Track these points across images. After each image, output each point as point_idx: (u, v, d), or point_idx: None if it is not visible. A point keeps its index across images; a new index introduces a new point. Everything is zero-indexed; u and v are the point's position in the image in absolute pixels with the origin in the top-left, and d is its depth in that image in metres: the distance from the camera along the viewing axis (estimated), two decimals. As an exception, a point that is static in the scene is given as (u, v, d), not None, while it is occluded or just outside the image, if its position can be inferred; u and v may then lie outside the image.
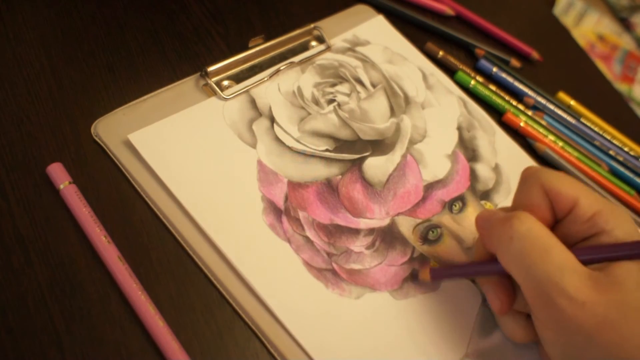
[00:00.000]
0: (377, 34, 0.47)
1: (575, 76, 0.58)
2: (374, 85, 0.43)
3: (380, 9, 0.51)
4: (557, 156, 0.47)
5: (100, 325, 0.29)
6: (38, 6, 0.40)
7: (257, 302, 0.31)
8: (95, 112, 0.36)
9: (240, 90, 0.39)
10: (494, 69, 0.51)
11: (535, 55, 0.55)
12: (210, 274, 0.32)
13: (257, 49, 0.42)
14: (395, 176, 0.39)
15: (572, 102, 0.53)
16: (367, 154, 0.39)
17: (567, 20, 0.71)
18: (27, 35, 0.38)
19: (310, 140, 0.38)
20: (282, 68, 0.41)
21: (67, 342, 0.28)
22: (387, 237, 0.36)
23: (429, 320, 0.34)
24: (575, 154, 0.48)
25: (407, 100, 0.44)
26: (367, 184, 0.38)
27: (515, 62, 0.54)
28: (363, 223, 0.36)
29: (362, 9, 0.50)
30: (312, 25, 0.45)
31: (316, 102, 0.41)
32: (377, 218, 0.37)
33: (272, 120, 0.38)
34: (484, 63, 0.52)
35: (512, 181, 0.43)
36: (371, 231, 0.36)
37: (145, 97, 0.37)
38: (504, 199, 0.41)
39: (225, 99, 0.38)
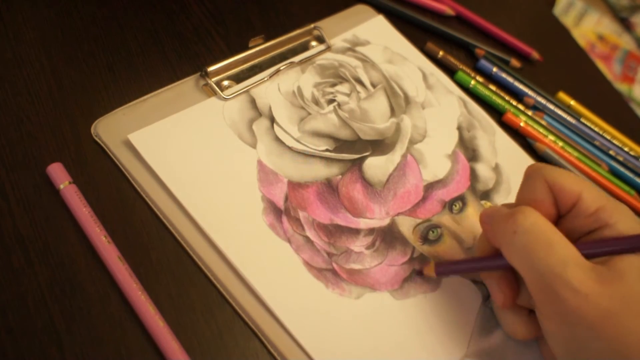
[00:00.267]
0: (377, 34, 0.47)
1: (575, 76, 0.58)
2: (374, 85, 0.43)
3: (380, 9, 0.51)
4: (557, 156, 0.47)
5: (100, 325, 0.29)
6: (38, 6, 0.40)
7: (257, 302, 0.31)
8: (95, 112, 0.36)
9: (240, 90, 0.39)
10: (494, 69, 0.51)
11: (535, 55, 0.55)
12: (210, 274, 0.32)
13: (257, 49, 0.42)
14: (396, 176, 0.39)
15: (572, 102, 0.53)
16: (367, 154, 0.39)
17: (567, 20, 0.71)
18: (27, 35, 0.38)
19: (310, 140, 0.38)
20: (282, 68, 0.41)
21: (67, 342, 0.28)
22: (387, 237, 0.36)
23: (429, 320, 0.34)
24: (575, 154, 0.48)
25: (407, 100, 0.44)
26: (367, 183, 0.38)
27: (515, 62, 0.54)
28: (363, 223, 0.36)
29: (362, 9, 0.50)
30: (312, 25, 0.45)
31: (316, 102, 0.41)
32: (377, 218, 0.37)
33: (272, 120, 0.38)
34: (484, 63, 0.52)
35: (512, 181, 0.43)
36: (371, 231, 0.36)
37: (145, 97, 0.37)
38: (504, 198, 0.41)
39: (225, 99, 0.38)
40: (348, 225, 0.36)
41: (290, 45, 0.44)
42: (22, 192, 0.32)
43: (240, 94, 0.39)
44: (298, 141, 0.38)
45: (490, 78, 0.51)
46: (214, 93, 0.38)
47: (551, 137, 0.48)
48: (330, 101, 0.41)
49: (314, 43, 0.45)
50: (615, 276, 0.27)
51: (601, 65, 0.66)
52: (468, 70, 0.50)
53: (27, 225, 0.31)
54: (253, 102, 0.39)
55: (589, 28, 0.72)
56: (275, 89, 0.40)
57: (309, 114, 0.40)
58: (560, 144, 0.48)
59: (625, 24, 0.75)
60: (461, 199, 0.40)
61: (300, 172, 0.37)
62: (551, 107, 0.51)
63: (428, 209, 0.38)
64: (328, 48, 0.44)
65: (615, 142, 0.51)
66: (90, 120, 0.35)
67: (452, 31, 0.53)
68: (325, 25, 0.46)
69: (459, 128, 0.44)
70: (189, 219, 0.33)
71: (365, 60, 0.45)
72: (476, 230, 0.38)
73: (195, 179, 0.34)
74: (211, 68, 0.39)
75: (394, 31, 0.49)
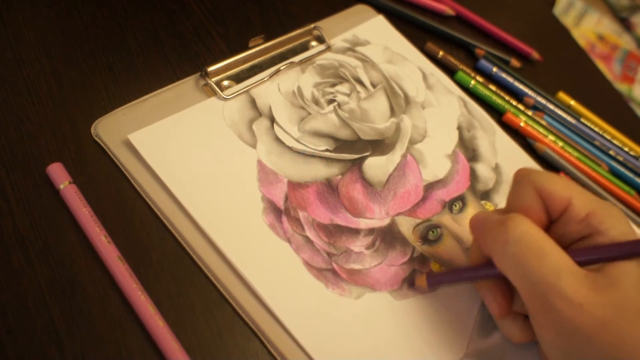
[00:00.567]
0: (377, 34, 0.47)
1: (575, 76, 0.58)
2: (374, 85, 0.43)
3: (380, 9, 0.51)
4: (557, 156, 0.47)
5: (100, 325, 0.29)
6: (38, 6, 0.40)
7: (257, 302, 0.31)
8: (95, 112, 0.36)
9: (240, 90, 0.39)
10: (494, 69, 0.51)
11: (535, 55, 0.55)
12: (210, 274, 0.32)
13: (257, 49, 0.42)
14: (395, 176, 0.39)
15: (572, 102, 0.53)
16: (367, 153, 0.39)
17: (567, 20, 0.71)
18: (27, 35, 0.38)
19: (310, 140, 0.38)
20: (282, 68, 0.41)
21: (67, 342, 0.28)
22: (387, 237, 0.36)
23: (429, 320, 0.34)
24: (575, 154, 0.48)
25: (407, 100, 0.44)
26: (367, 183, 0.38)
27: (515, 62, 0.54)
28: (363, 223, 0.36)
29: (362, 9, 0.50)
30: (312, 25, 0.45)
31: (316, 102, 0.41)
32: (377, 218, 0.37)
33: (272, 120, 0.38)
34: (484, 63, 0.52)
35: (512, 181, 0.43)
36: (371, 231, 0.36)
37: (145, 97, 0.37)
38: (504, 198, 0.41)
39: (225, 99, 0.38)
40: (348, 225, 0.36)
41: (290, 45, 0.44)
42: (22, 192, 0.32)
43: (240, 94, 0.39)
44: (298, 141, 0.38)
45: (490, 78, 0.51)
46: (214, 93, 0.38)
47: (551, 137, 0.48)
48: (330, 101, 0.41)
49: (314, 43, 0.45)
50: (609, 283, 0.26)
51: (601, 65, 0.66)
52: (468, 70, 0.50)
53: (27, 225, 0.31)
54: (253, 102, 0.39)
55: (589, 28, 0.72)
56: (275, 89, 0.40)
57: (309, 114, 0.40)
58: (560, 144, 0.48)
59: (625, 24, 0.75)
60: (461, 199, 0.40)
61: (300, 172, 0.37)
62: (551, 107, 0.51)
63: (428, 209, 0.38)
64: (328, 48, 0.44)
65: (615, 142, 0.51)
66: (90, 120, 0.35)
67: (452, 31, 0.53)
68: (325, 25, 0.46)
69: (459, 128, 0.44)
70: (189, 219, 0.33)
71: (365, 60, 0.45)
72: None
73: (195, 179, 0.34)
74: (211, 68, 0.39)
75: (394, 31, 0.49)
